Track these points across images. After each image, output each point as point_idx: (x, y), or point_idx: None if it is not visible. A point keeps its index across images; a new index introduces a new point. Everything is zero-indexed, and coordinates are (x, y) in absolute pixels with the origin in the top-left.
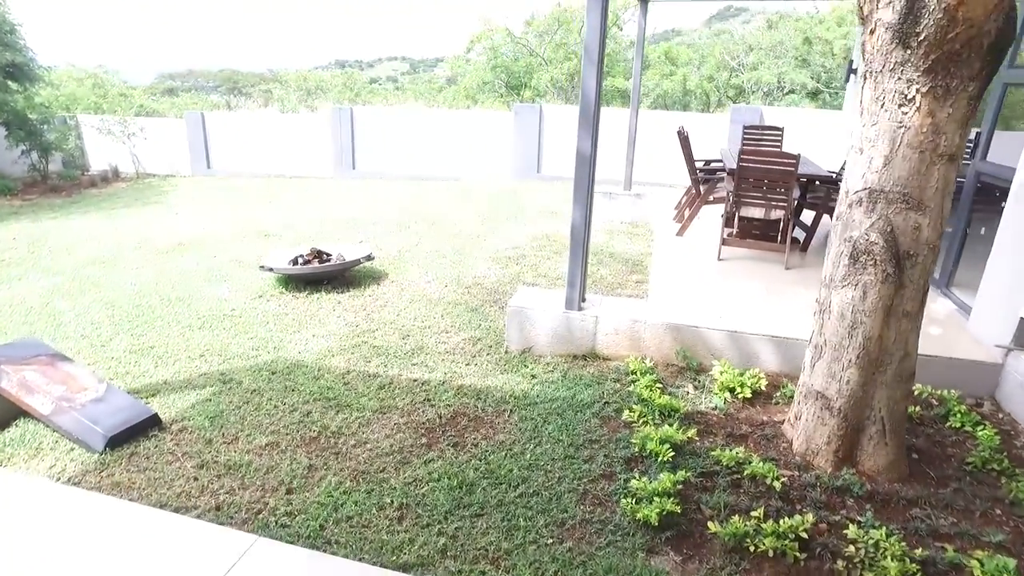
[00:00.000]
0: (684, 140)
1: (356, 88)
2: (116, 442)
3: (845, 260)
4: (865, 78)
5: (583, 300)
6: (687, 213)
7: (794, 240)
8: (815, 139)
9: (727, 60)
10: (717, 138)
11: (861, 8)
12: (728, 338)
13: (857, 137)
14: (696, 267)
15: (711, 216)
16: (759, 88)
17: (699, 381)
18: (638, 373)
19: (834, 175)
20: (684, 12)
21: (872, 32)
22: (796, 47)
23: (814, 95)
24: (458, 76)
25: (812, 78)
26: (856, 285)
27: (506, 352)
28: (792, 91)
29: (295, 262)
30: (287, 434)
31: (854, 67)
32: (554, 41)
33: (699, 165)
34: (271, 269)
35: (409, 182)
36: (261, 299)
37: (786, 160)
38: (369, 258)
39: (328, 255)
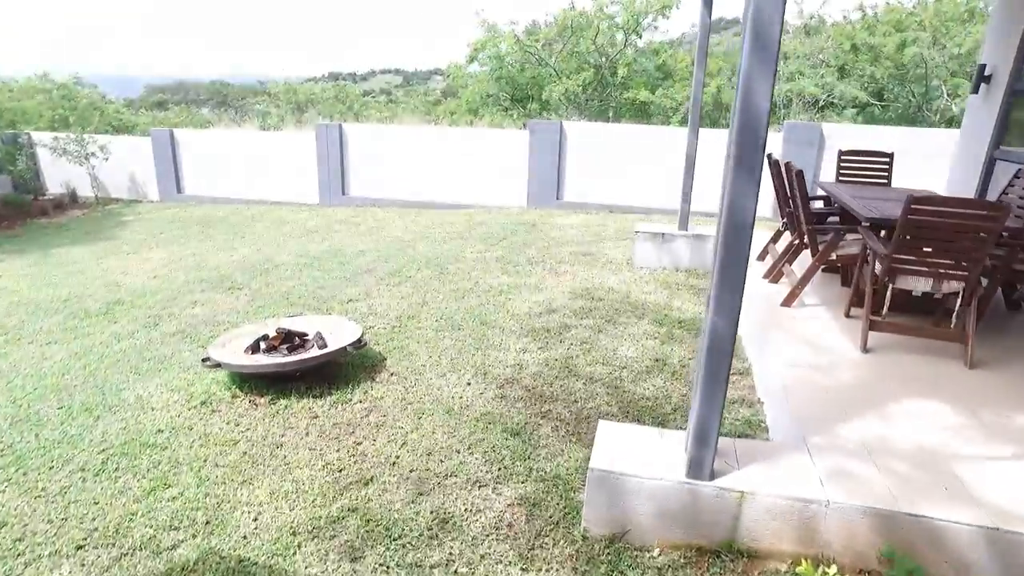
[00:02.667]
0: (797, 175)
1: (348, 101)
2: None
3: None
4: None
5: (715, 452)
6: (788, 271)
7: (947, 312)
8: (914, 164)
9: None
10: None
11: None
12: (976, 536)
13: None
14: (830, 364)
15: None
16: (799, 101)
17: None
18: None
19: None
20: (679, 22)
21: None
22: (838, 56)
23: (862, 108)
24: (458, 88)
25: (862, 89)
26: None
27: (584, 537)
28: (831, 103)
29: (255, 348)
30: None
31: (987, 72)
32: (566, 50)
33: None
34: (218, 364)
35: (409, 211)
36: (203, 409)
37: (988, 213)
38: (359, 345)
39: (302, 338)
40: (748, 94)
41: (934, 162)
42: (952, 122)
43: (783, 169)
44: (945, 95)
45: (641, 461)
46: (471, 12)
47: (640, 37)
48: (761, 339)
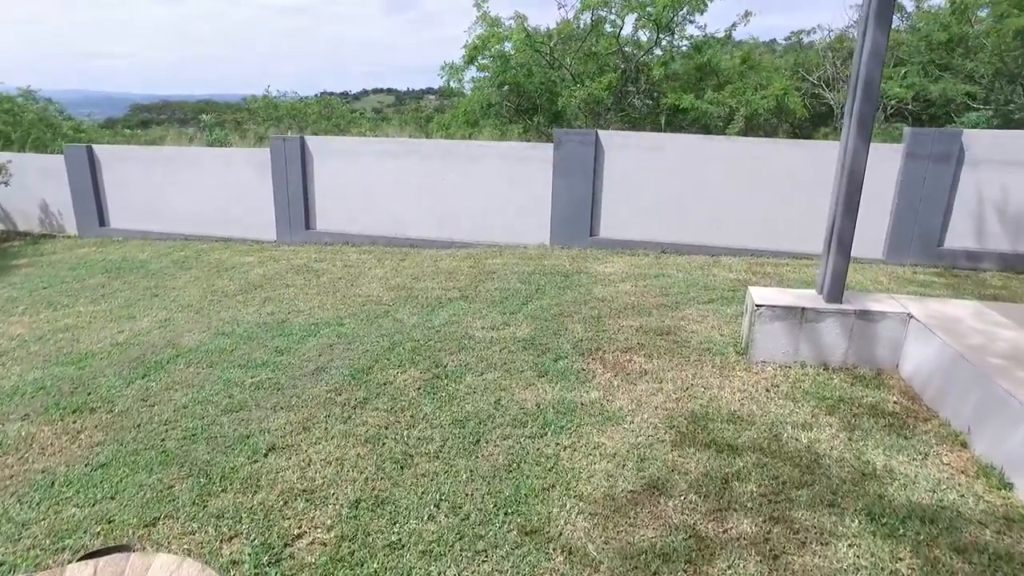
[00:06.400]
0: None
1: (334, 118)
2: None
3: None
4: None
5: None
6: None
7: None
8: None
9: (803, 73)
10: (882, 184)
11: None
12: None
13: None
14: None
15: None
16: (876, 104)
17: None
18: None
19: None
20: (717, 16)
21: None
22: (919, 50)
23: (953, 114)
24: (454, 96)
25: (967, 84)
26: None
27: None
28: (906, 109)
29: None
30: None
31: None
32: (582, 51)
33: None
34: None
35: (392, 251)
36: None
37: None
38: None
39: None
40: None
41: None
42: None
43: None
44: None
45: None
46: (469, 3)
47: (672, 33)
48: None
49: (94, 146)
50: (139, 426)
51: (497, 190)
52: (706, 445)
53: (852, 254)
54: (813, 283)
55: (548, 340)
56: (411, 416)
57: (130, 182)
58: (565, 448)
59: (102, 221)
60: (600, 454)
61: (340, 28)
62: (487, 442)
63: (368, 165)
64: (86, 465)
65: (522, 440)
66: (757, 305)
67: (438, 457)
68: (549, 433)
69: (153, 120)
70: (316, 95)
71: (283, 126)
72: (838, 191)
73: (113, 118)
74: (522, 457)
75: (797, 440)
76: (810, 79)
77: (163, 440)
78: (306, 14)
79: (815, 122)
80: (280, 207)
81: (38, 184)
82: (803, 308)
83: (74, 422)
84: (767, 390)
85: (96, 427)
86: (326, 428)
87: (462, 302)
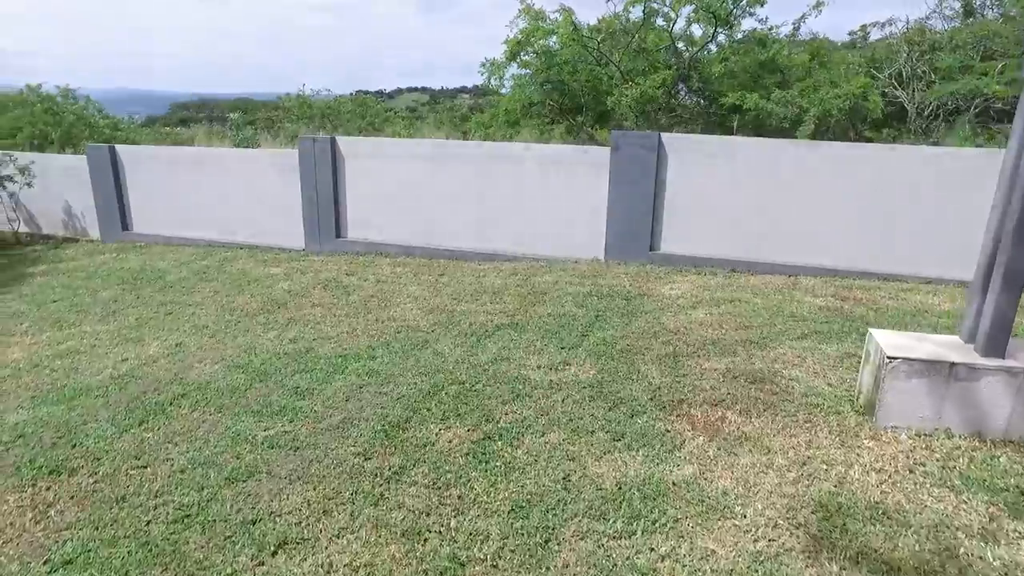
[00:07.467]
0: None
1: (368, 116)
2: None
3: None
4: None
5: None
6: None
7: None
8: None
9: (872, 71)
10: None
11: None
12: None
13: None
14: None
15: None
16: (961, 104)
17: None
18: None
19: None
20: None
21: None
22: (1006, 40)
23: None
24: (490, 99)
25: None
26: None
27: None
28: (996, 108)
29: None
30: None
31: None
32: (631, 47)
33: None
34: None
35: (429, 264)
36: None
37: None
38: None
39: None
40: None
41: None
42: None
43: None
44: None
45: None
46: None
47: (730, 27)
48: None
49: (117, 146)
50: (124, 499)
51: (545, 197)
52: (852, 560)
53: (958, 276)
54: (916, 312)
55: (619, 386)
56: (459, 497)
57: (153, 184)
58: (663, 557)
59: (125, 225)
60: (712, 571)
61: (375, 26)
62: (559, 543)
63: (404, 168)
64: (46, 562)
65: (604, 542)
66: (890, 357)
67: (496, 567)
68: (639, 532)
69: (191, 118)
70: (350, 93)
71: (316, 124)
72: (1004, 211)
73: (154, 116)
74: (607, 571)
75: (984, 560)
76: (881, 76)
77: (148, 523)
78: (343, 12)
79: (877, 124)
80: (309, 213)
81: (62, 186)
82: (951, 363)
83: (47, 488)
84: (910, 470)
85: (72, 498)
86: (352, 513)
87: (512, 331)
